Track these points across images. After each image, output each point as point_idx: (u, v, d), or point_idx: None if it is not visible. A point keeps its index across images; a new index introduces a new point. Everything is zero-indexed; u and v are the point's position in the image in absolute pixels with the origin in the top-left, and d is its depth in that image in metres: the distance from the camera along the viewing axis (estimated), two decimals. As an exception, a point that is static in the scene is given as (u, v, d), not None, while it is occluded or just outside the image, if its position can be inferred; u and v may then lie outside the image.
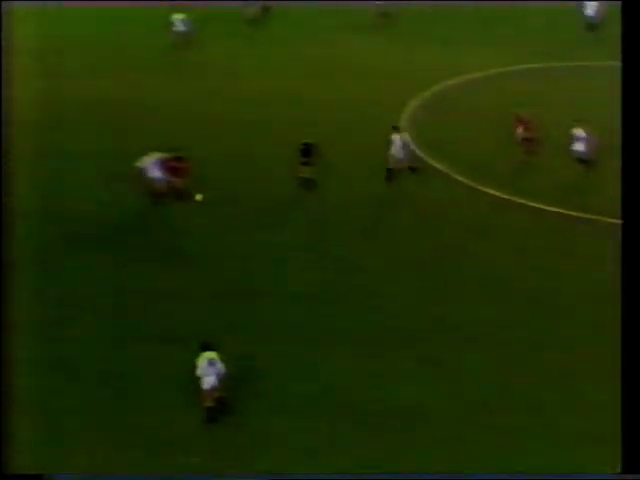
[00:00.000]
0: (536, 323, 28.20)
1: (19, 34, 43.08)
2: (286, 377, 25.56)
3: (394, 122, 38.66)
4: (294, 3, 59.08)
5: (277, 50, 52.97)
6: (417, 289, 30.00)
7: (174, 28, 52.87)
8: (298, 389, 25.09)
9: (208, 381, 23.63)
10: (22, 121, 38.16)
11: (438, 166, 38.24)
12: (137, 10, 57.32)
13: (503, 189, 36.09)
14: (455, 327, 27.86)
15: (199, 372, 23.68)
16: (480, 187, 36.40)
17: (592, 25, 55.00)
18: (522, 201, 35.25)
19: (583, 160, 37.24)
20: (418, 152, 39.11)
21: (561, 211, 34.62)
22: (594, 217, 33.86)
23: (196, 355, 23.72)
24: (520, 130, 38.47)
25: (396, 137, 36.81)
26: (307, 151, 35.79)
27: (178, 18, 52.90)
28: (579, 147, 37.24)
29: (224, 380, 23.73)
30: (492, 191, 36.10)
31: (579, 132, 37.16)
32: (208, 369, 23.59)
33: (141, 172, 34.02)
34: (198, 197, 34.16)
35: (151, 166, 34.06)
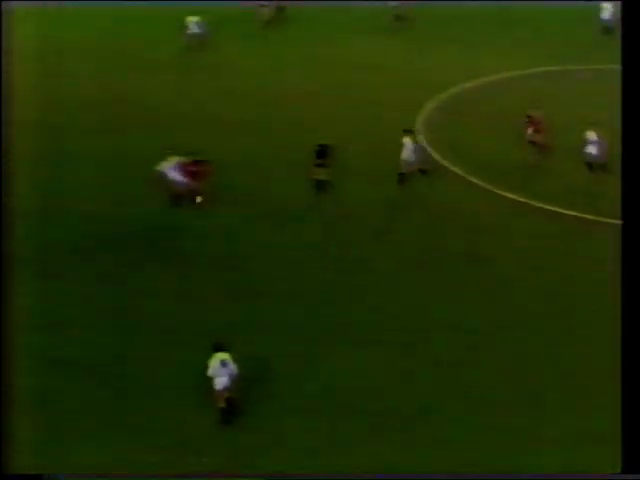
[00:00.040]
0: (549, 324, 28.13)
1: (19, 34, 43.03)
2: (286, 377, 25.54)
3: (410, 124, 38.54)
4: (309, 4, 58.83)
5: (292, 51, 52.76)
6: (430, 291, 29.89)
7: (188, 31, 52.60)
8: (298, 389, 25.12)
9: (220, 382, 23.55)
10: (22, 121, 38.13)
11: (453, 168, 38.08)
12: (137, 10, 56.97)
13: (518, 192, 35.92)
14: (470, 330, 27.75)
15: (211, 373, 23.58)
16: (495, 190, 36.23)
17: (608, 28, 54.90)
18: (539, 204, 35.09)
19: (594, 163, 37.18)
20: (433, 154, 38.97)
21: (577, 214, 34.46)
22: (608, 220, 33.65)
23: (206, 356, 23.62)
24: (530, 131, 38.33)
25: (407, 140, 36.59)
26: (322, 153, 35.44)
27: (193, 20, 52.58)
28: (592, 150, 37.20)
29: (236, 381, 23.64)
30: (507, 194, 35.94)
31: (592, 135, 37.12)
32: (221, 370, 23.51)
33: (161, 175, 34.18)
34: (198, 199, 34.39)
35: (171, 170, 34.23)
